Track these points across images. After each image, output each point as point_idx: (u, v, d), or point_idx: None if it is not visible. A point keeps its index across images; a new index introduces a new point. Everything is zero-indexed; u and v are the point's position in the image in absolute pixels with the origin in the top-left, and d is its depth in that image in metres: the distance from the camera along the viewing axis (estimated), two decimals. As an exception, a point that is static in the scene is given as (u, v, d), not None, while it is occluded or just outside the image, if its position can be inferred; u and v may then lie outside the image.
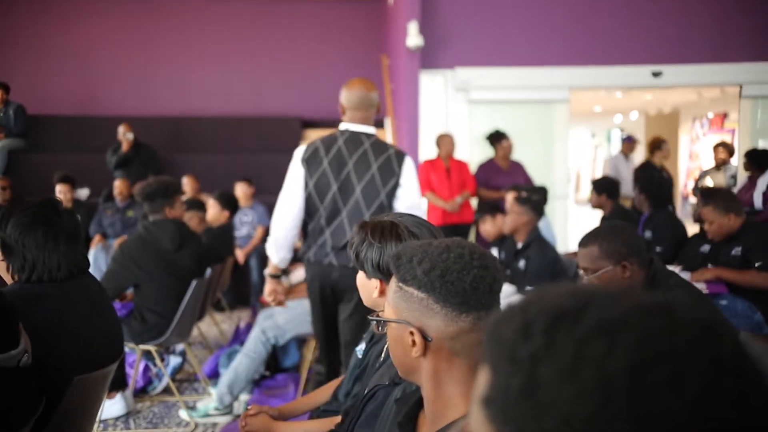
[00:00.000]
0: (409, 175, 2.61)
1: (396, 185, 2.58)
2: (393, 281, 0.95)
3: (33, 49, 8.30)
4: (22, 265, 1.74)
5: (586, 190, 13.58)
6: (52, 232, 1.74)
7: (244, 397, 3.33)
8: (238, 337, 3.96)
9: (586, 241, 1.94)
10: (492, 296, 0.90)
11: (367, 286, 1.40)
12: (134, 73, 8.55)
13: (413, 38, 5.35)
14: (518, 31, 5.91)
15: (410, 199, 2.62)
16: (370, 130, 2.66)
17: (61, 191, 5.63)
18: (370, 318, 1.01)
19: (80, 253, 1.85)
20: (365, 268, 1.38)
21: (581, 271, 1.94)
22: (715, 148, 6.34)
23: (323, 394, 1.91)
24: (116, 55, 8.43)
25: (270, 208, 6.02)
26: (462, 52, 5.86)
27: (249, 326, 4.05)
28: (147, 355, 3.54)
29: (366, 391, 1.27)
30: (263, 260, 5.79)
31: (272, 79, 8.76)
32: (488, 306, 0.90)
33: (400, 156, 2.61)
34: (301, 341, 3.72)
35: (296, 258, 5.79)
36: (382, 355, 1.40)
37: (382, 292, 1.36)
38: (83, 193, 6.48)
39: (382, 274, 1.34)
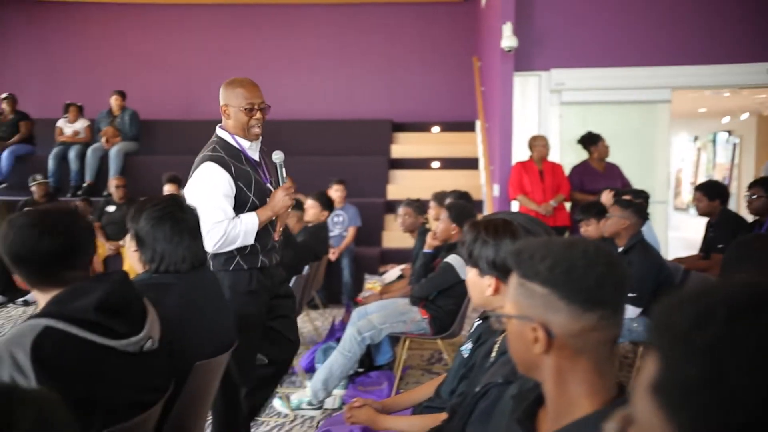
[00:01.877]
0: (189, 185, 2.38)
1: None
2: (514, 277, 0.95)
3: (144, 60, 8.91)
4: (152, 256, 1.88)
5: (687, 195, 12.86)
6: (178, 227, 1.88)
7: (338, 392, 3.42)
8: (333, 333, 4.08)
9: None
10: (619, 295, 0.89)
11: (479, 284, 1.41)
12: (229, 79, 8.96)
13: (507, 40, 5.30)
14: (615, 30, 5.72)
15: None
16: (218, 129, 2.50)
17: (168, 191, 5.98)
18: (490, 314, 1.03)
19: (200, 247, 1.98)
20: (479, 266, 1.39)
21: None
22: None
23: (425, 390, 1.94)
24: (217, 64, 8.88)
25: (361, 210, 6.19)
26: (557, 53, 5.74)
27: (343, 324, 4.16)
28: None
29: (477, 389, 1.29)
30: (355, 260, 5.93)
31: (364, 83, 8.93)
32: (614, 305, 0.89)
33: (199, 162, 2.39)
34: (394, 339, 3.78)
35: (388, 259, 5.90)
36: (492, 354, 1.41)
37: (496, 290, 1.37)
38: (188, 193, 6.87)
39: (498, 271, 1.35)
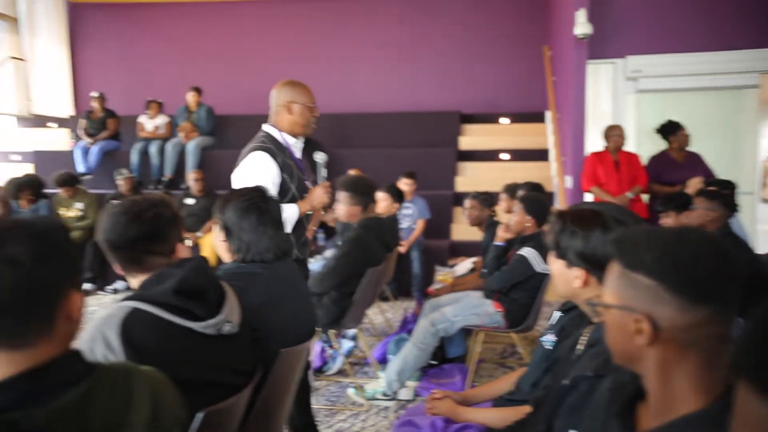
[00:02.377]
0: (238, 171, 2.53)
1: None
2: (615, 267, 0.93)
3: (219, 56, 9.21)
4: (239, 246, 1.96)
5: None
6: (263, 218, 1.95)
7: (411, 383, 3.45)
8: (406, 325, 4.11)
9: None
10: (732, 289, 0.85)
11: (565, 276, 1.39)
12: (301, 74, 9.13)
13: (581, 26, 5.15)
14: (696, 13, 5.44)
15: None
16: (264, 126, 2.65)
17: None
18: (589, 303, 1.01)
19: (283, 238, 2.04)
20: (567, 257, 1.37)
21: None
22: None
23: (505, 383, 1.94)
24: (288, 59, 9.07)
25: (429, 202, 6.19)
26: (633, 39, 5.53)
27: (415, 316, 4.18)
28: (322, 337, 3.81)
29: (566, 382, 1.28)
30: (425, 252, 5.94)
31: (432, 75, 8.89)
32: (728, 299, 0.85)
33: (248, 151, 2.55)
34: (466, 332, 3.77)
35: (457, 251, 5.87)
36: (578, 346, 1.39)
37: (585, 283, 1.35)
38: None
39: (587, 263, 1.33)
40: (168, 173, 7.49)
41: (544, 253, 3.33)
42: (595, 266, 1.33)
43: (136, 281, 1.54)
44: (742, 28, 5.35)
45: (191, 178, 6.58)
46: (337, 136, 8.25)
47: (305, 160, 2.73)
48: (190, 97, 7.72)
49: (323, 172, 2.70)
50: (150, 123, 7.80)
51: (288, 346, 1.87)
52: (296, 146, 2.64)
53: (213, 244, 2.11)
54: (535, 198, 3.45)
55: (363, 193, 3.64)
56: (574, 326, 1.55)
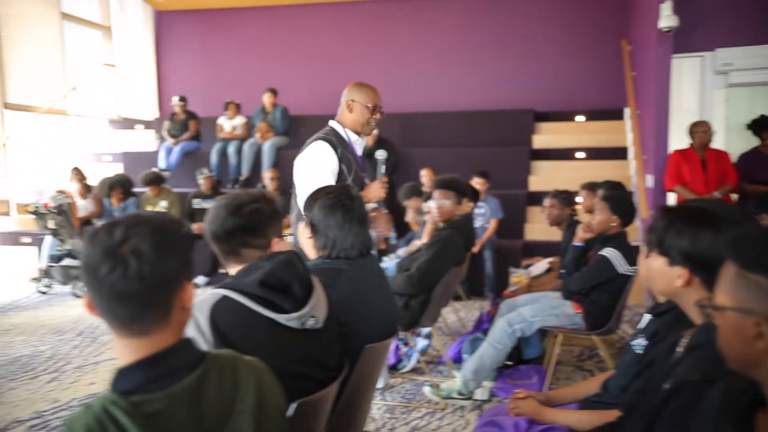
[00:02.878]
0: (300, 157, 2.68)
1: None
2: (730, 267, 0.89)
3: (292, 58, 9.43)
4: (325, 243, 2.01)
5: None
6: (348, 215, 1.99)
7: (487, 383, 3.42)
8: (481, 325, 4.08)
9: None
10: None
11: (667, 274, 1.34)
12: (373, 73, 9.22)
13: (666, 19, 4.94)
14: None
15: (295, 182, 2.70)
16: (331, 122, 2.79)
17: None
18: (699, 305, 0.97)
19: (368, 235, 2.07)
20: (670, 255, 1.32)
21: None
22: None
23: (590, 385, 1.89)
24: (358, 59, 9.18)
25: (502, 201, 6.10)
26: (723, 31, 5.26)
27: (489, 315, 4.14)
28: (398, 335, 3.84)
29: (667, 386, 1.23)
30: (497, 252, 5.87)
31: (504, 72, 8.77)
32: None
33: (312, 141, 2.69)
34: (542, 333, 3.71)
35: (531, 251, 5.76)
36: (677, 350, 1.34)
37: (687, 282, 1.30)
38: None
39: (692, 263, 1.28)
40: (245, 172, 7.74)
41: (627, 254, 3.23)
42: (700, 267, 1.28)
43: (233, 271, 1.62)
44: None
45: (267, 177, 6.77)
46: (409, 135, 8.28)
47: (366, 158, 2.88)
48: (266, 98, 7.95)
49: (382, 169, 2.81)
50: (228, 124, 8.09)
51: (372, 342, 1.90)
52: (357, 143, 2.78)
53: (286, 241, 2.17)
54: (622, 197, 3.34)
55: (462, 192, 3.71)
56: (670, 329, 1.50)
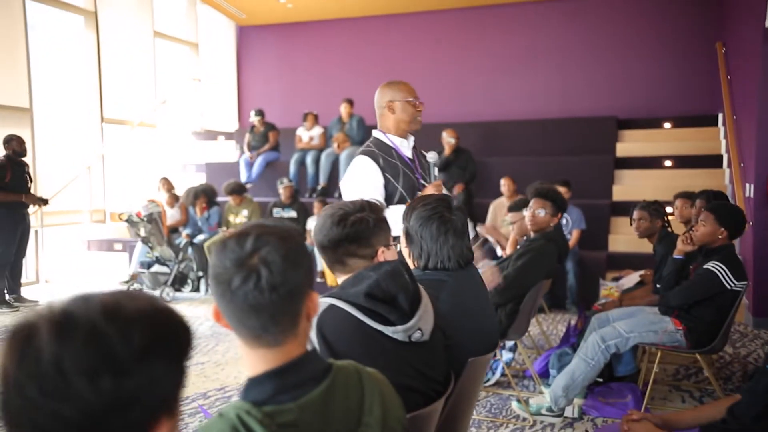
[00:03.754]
0: (345, 177, 2.59)
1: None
2: None
3: (369, 68, 9.50)
4: (420, 254, 1.98)
5: None
6: (444, 227, 1.94)
7: (577, 401, 3.28)
8: (568, 339, 3.93)
9: None
10: None
11: None
12: (448, 83, 9.18)
13: (771, 18, 4.64)
14: None
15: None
16: (374, 132, 2.68)
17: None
18: None
19: (466, 247, 2.01)
20: None
21: None
22: None
23: (714, 409, 1.76)
24: (432, 69, 9.15)
25: (585, 212, 5.89)
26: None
27: (576, 329, 3.99)
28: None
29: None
30: (580, 264, 5.67)
31: (586, 78, 8.52)
32: None
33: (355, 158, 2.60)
34: (634, 350, 3.53)
35: (615, 263, 5.51)
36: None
37: None
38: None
39: None
40: (322, 182, 7.85)
41: (734, 268, 3.03)
42: None
43: (340, 280, 1.62)
44: None
45: (345, 186, 6.83)
46: (488, 144, 8.17)
47: (422, 160, 2.72)
48: (343, 109, 8.05)
49: (435, 172, 2.70)
50: (306, 134, 8.24)
51: (474, 355, 1.85)
52: (404, 145, 2.64)
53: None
54: (730, 207, 3.14)
55: (560, 205, 3.61)
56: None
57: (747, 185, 5.31)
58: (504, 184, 6.28)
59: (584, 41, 8.56)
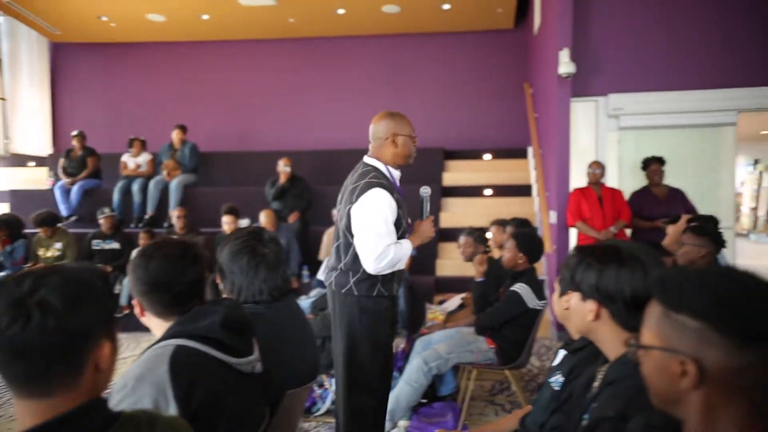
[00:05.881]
0: (359, 208, 2.39)
1: (347, 215, 2.45)
2: (656, 308, 0.91)
3: (203, 94, 9.24)
4: (232, 288, 1.94)
5: (747, 220, 12.42)
6: (255, 260, 1.92)
7: (402, 423, 3.38)
8: (396, 363, 4.04)
9: None
10: None
11: (581, 310, 1.38)
12: (287, 111, 9.21)
13: (565, 66, 5.28)
14: (675, 53, 5.62)
15: (355, 234, 2.42)
16: (368, 159, 2.60)
17: (227, 222, 6.11)
18: (628, 344, 0.98)
19: (282, 278, 2.00)
20: (582, 290, 1.37)
21: None
22: None
23: (509, 422, 1.90)
24: (272, 97, 9.14)
25: (415, 238, 6.17)
26: (615, 77, 5.67)
27: (403, 353, 4.13)
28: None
29: (585, 423, 1.25)
30: (410, 288, 5.91)
31: (415, 111, 8.99)
32: None
33: (366, 186, 2.42)
34: (455, 370, 3.73)
35: (443, 287, 5.83)
36: (594, 387, 1.37)
37: (597, 316, 1.35)
38: (244, 223, 7.00)
39: (600, 295, 1.33)
40: (150, 211, 7.40)
41: (536, 289, 3.34)
42: (606, 299, 1.33)
43: (164, 325, 1.50)
44: (720, 68, 5.53)
45: (174, 215, 6.50)
46: (325, 172, 8.27)
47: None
48: (175, 135, 7.70)
49: (427, 207, 2.67)
50: (132, 161, 7.74)
51: (293, 387, 1.83)
52: (397, 178, 2.60)
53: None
54: (529, 234, 3.46)
55: None
56: (586, 365, 1.54)
57: (551, 212, 5.92)
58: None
59: (418, 75, 9.08)
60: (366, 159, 2.62)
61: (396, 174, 2.59)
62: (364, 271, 2.45)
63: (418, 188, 7.85)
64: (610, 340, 1.35)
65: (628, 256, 1.32)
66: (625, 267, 1.31)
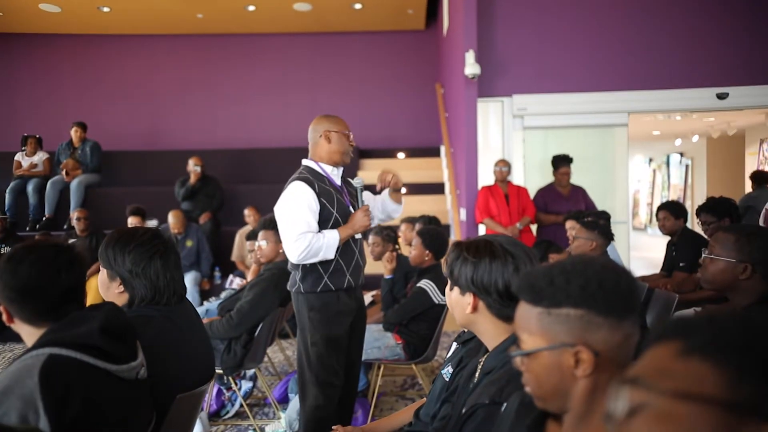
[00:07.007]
0: (279, 202, 2.56)
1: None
2: (531, 311, 0.94)
3: (105, 91, 8.81)
4: (132, 291, 1.86)
5: (645, 215, 13.25)
6: (155, 262, 1.86)
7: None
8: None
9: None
10: (639, 299, 0.92)
11: (460, 303, 1.44)
12: (197, 109, 8.95)
13: (471, 67, 5.44)
14: (575, 57, 5.93)
15: (278, 227, 2.57)
16: (304, 161, 2.72)
17: (132, 223, 5.87)
18: (513, 354, 0.99)
19: (179, 281, 1.95)
20: (459, 284, 1.42)
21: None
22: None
23: (405, 415, 1.94)
24: (180, 94, 8.85)
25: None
26: (519, 79, 5.91)
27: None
28: (219, 379, 3.66)
29: (464, 411, 1.30)
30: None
31: (329, 109, 8.95)
32: (638, 307, 0.91)
33: (289, 183, 2.58)
34: (367, 366, 3.76)
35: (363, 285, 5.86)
36: (475, 376, 1.43)
37: (474, 308, 1.41)
38: (152, 224, 6.74)
39: (476, 288, 1.39)
40: (48, 213, 6.98)
41: (441, 285, 3.42)
42: (482, 292, 1.39)
43: (36, 332, 1.42)
44: (613, 72, 5.88)
45: (75, 217, 6.17)
46: (237, 171, 8.10)
47: (348, 188, 2.76)
48: (74, 133, 7.30)
49: (362, 196, 2.73)
50: (26, 160, 7.28)
51: (185, 391, 1.78)
52: (334, 174, 2.69)
53: (98, 286, 2.00)
54: (433, 232, 3.53)
55: None
56: (471, 356, 1.60)
57: (461, 209, 6.09)
58: (249, 214, 6.27)
59: (333, 74, 9.07)
60: (303, 161, 2.73)
61: (333, 171, 2.68)
62: (304, 266, 2.55)
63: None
64: (488, 331, 1.41)
65: (500, 250, 1.38)
66: (497, 260, 1.38)
